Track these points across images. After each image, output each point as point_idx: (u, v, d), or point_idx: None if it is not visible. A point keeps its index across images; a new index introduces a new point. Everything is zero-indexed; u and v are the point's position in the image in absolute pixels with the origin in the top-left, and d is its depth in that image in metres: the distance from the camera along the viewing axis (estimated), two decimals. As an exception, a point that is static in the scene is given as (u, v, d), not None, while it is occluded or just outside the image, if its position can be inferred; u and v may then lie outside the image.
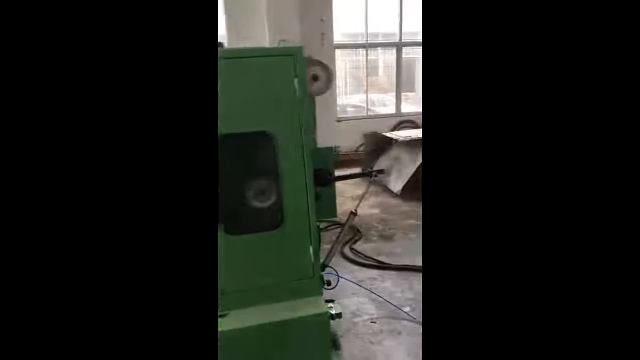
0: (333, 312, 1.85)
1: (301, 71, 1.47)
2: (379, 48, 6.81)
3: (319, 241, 1.91)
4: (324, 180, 1.79)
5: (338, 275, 1.91)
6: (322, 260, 1.85)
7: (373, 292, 2.40)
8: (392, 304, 2.28)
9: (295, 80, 1.47)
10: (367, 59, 6.49)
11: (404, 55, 6.69)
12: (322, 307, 1.63)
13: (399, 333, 2.05)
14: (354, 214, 1.88)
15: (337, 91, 6.63)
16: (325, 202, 1.89)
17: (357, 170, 5.45)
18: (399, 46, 6.51)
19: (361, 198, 2.00)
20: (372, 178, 1.86)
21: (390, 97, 6.85)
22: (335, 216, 2.01)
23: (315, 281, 1.71)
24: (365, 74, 6.61)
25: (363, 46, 6.41)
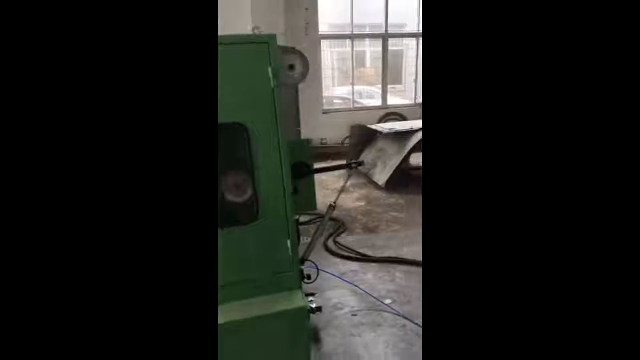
0: (313, 305, 1.84)
1: (275, 60, 1.42)
2: (367, 39, 6.76)
3: (298, 235, 1.89)
4: (301, 172, 1.75)
5: (318, 269, 1.89)
6: (301, 254, 1.83)
7: (354, 285, 2.39)
8: (372, 296, 2.28)
9: (269, 69, 1.42)
10: (352, 50, 6.42)
11: (391, 47, 6.67)
12: (300, 302, 1.61)
13: (379, 325, 2.05)
14: (332, 206, 1.86)
15: (325, 83, 6.58)
16: (304, 195, 1.86)
17: (343, 162, 5.45)
18: (384, 37, 6.46)
19: (340, 190, 1.98)
20: (351, 170, 1.83)
21: (378, 89, 6.83)
22: (315, 209, 1.99)
23: (294, 275, 1.69)
24: (350, 66, 6.55)
25: (349, 37, 6.34)
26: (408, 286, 2.42)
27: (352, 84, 6.56)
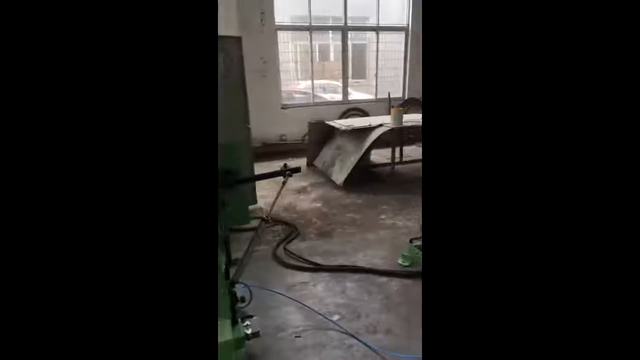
0: (248, 331, 1.62)
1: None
2: (330, 32, 6.52)
3: (228, 253, 1.65)
4: (229, 183, 1.51)
5: (251, 292, 1.66)
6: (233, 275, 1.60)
7: (299, 302, 2.19)
8: (319, 313, 2.09)
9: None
10: (311, 43, 6.16)
11: (355, 41, 6.48)
12: (225, 334, 1.39)
13: (324, 347, 1.87)
14: (265, 220, 1.63)
15: (287, 77, 6.29)
16: (234, 207, 1.62)
17: (303, 160, 5.23)
18: (344, 30, 6.26)
19: (272, 204, 1.75)
20: (286, 178, 1.61)
21: (339, 83, 6.64)
22: (248, 222, 1.75)
23: (223, 301, 1.45)
24: (313, 59, 6.29)
25: (307, 29, 6.08)
26: (358, 299, 2.25)
27: (312, 78, 6.32)
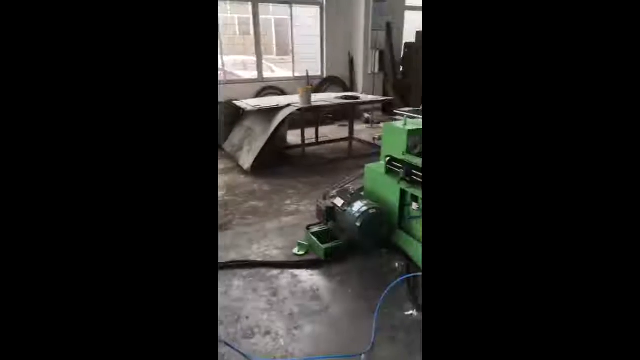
0: None
1: None
2: (250, 5, 5.94)
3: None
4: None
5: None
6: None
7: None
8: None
9: None
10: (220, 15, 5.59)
11: (277, 16, 6.01)
12: None
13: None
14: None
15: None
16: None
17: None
18: (254, 2, 5.79)
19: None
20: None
21: (265, 61, 6.19)
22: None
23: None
24: (237, 33, 5.73)
25: (212, -3, 5.47)
26: (242, 298, 2.04)
27: (221, 53, 5.78)
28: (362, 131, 5.83)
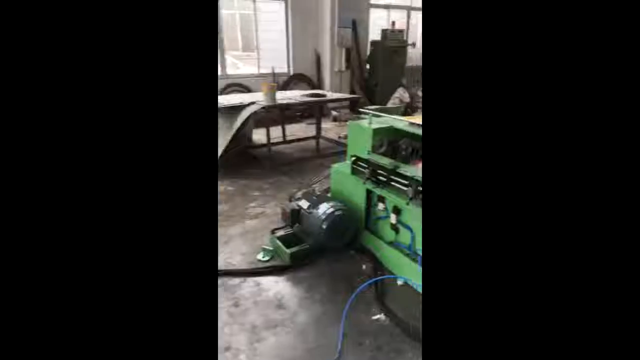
0: None
1: None
2: None
3: None
4: None
5: None
6: None
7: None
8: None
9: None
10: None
11: (242, 11, 5.77)
12: None
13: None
14: None
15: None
16: None
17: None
18: (216, -6, 5.53)
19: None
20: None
21: (234, 58, 5.93)
22: None
23: None
24: None
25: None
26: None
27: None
28: (330, 129, 5.78)
